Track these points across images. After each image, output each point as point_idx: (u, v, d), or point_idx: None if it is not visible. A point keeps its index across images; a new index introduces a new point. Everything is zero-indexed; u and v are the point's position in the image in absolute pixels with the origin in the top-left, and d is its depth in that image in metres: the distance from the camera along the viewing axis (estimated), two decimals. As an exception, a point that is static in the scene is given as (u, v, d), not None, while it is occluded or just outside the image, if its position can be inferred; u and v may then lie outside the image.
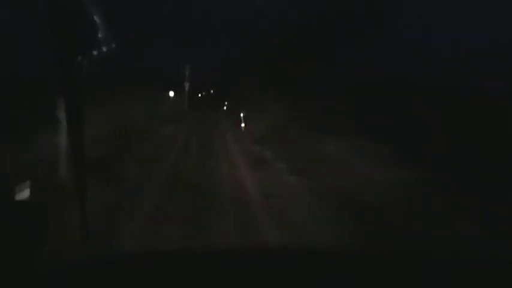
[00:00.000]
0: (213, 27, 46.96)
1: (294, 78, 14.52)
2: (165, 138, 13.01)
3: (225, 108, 34.67)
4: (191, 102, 31.65)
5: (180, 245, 3.87)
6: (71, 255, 2.71)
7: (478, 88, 10.00)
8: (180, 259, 1.42)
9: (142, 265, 1.33)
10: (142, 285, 1.19)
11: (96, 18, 2.12)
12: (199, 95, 48.11)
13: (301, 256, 1.46)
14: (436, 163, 6.54)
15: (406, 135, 8.10)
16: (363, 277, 1.26)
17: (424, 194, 5.45)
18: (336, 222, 4.76)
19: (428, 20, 14.05)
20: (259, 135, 12.92)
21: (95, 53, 2.19)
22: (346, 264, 1.38)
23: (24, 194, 3.19)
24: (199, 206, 5.18)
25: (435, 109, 9.17)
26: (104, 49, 2.23)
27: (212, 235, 4.21)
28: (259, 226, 4.66)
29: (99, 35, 2.17)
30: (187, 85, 30.71)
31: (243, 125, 17.07)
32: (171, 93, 28.14)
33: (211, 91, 53.57)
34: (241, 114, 17.91)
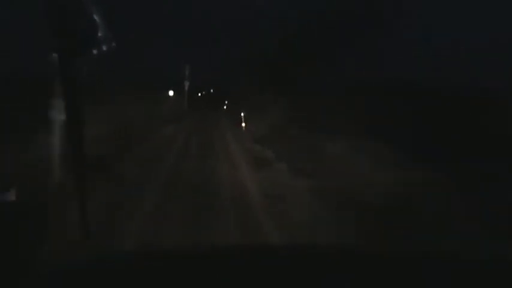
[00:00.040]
0: (213, 27, 46.90)
1: (294, 78, 14.52)
2: (165, 138, 13.01)
3: (225, 107, 34.68)
4: (191, 102, 31.58)
5: (180, 245, 3.87)
6: (71, 255, 2.71)
7: (478, 88, 10.00)
8: (180, 259, 1.42)
9: (142, 265, 1.33)
10: (142, 285, 1.19)
11: (96, 17, 2.12)
12: (199, 94, 48.08)
13: (301, 256, 1.46)
14: (436, 163, 6.54)
15: (406, 135, 8.10)
16: (363, 277, 1.26)
17: (424, 194, 5.45)
18: (338, 222, 4.76)
19: (428, 20, 14.04)
20: (260, 134, 12.92)
21: (94, 52, 2.19)
22: (346, 264, 1.38)
23: (10, 195, 3.20)
24: (199, 206, 5.18)
25: (435, 109, 9.17)
26: (104, 48, 2.23)
27: (212, 235, 4.22)
28: (259, 226, 4.66)
29: (99, 34, 2.17)
30: (187, 84, 30.58)
31: (243, 124, 17.06)
32: (171, 93, 28.13)
33: (211, 90, 53.55)
34: (242, 114, 17.90)
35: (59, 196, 3.25)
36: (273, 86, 15.33)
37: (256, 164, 8.47)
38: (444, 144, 7.47)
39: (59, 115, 2.98)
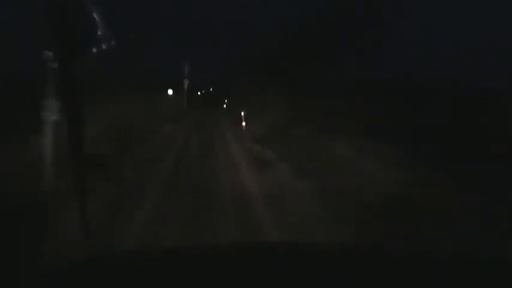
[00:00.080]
0: (213, 27, 47.00)
1: (294, 78, 14.52)
2: (165, 138, 13.00)
3: (224, 106, 34.68)
4: (190, 101, 31.50)
5: (180, 245, 3.87)
6: (71, 255, 2.71)
7: (478, 88, 10.01)
8: (180, 258, 1.42)
9: (143, 265, 1.33)
10: (142, 285, 1.19)
11: (95, 16, 2.12)
12: (199, 93, 48.06)
13: (300, 254, 1.46)
14: (436, 163, 6.54)
15: (406, 135, 8.10)
16: (363, 277, 1.26)
17: (424, 194, 5.45)
18: (339, 222, 4.76)
19: (428, 20, 14.07)
20: (260, 134, 12.91)
21: (94, 50, 2.19)
22: (346, 263, 1.38)
23: None
24: (199, 205, 5.18)
25: (435, 109, 9.17)
26: (104, 46, 2.23)
27: (212, 235, 4.22)
28: (259, 226, 4.66)
29: (99, 33, 2.17)
30: (186, 83, 30.41)
31: (243, 124, 17.05)
32: (170, 92, 28.11)
33: (211, 89, 53.57)
34: (242, 113, 17.89)
35: (53, 197, 3.25)
36: (273, 86, 15.33)
37: (256, 163, 8.47)
38: (444, 144, 7.47)
39: (51, 116, 2.99)
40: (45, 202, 3.25)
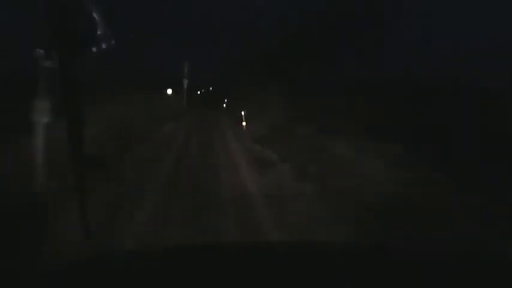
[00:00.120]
0: (213, 27, 47.00)
1: (294, 78, 14.52)
2: (165, 138, 13.00)
3: (224, 106, 34.68)
4: (190, 101, 31.48)
5: (180, 245, 3.87)
6: (71, 255, 2.71)
7: (478, 88, 10.00)
8: (180, 258, 1.42)
9: (142, 265, 1.33)
10: (142, 285, 1.19)
11: (95, 16, 2.12)
12: (198, 92, 48.06)
13: (300, 254, 1.46)
14: (436, 163, 6.54)
15: (406, 135, 8.10)
16: (363, 277, 1.26)
17: (424, 193, 5.45)
18: (338, 221, 4.76)
19: (428, 20, 14.04)
20: (260, 134, 12.91)
21: (94, 49, 2.18)
22: (346, 263, 1.38)
23: None
24: (199, 205, 5.18)
25: (435, 109, 9.17)
26: (103, 46, 2.22)
27: (212, 235, 4.22)
28: (259, 226, 4.66)
29: (99, 32, 2.17)
30: (185, 82, 30.34)
31: (244, 123, 17.05)
32: (170, 91, 28.12)
33: (211, 88, 53.58)
34: (242, 113, 17.89)
35: (49, 198, 3.25)
36: (273, 86, 15.33)
37: (256, 163, 8.47)
38: (444, 144, 7.47)
39: (42, 117, 3.00)
40: (45, 202, 3.25)
